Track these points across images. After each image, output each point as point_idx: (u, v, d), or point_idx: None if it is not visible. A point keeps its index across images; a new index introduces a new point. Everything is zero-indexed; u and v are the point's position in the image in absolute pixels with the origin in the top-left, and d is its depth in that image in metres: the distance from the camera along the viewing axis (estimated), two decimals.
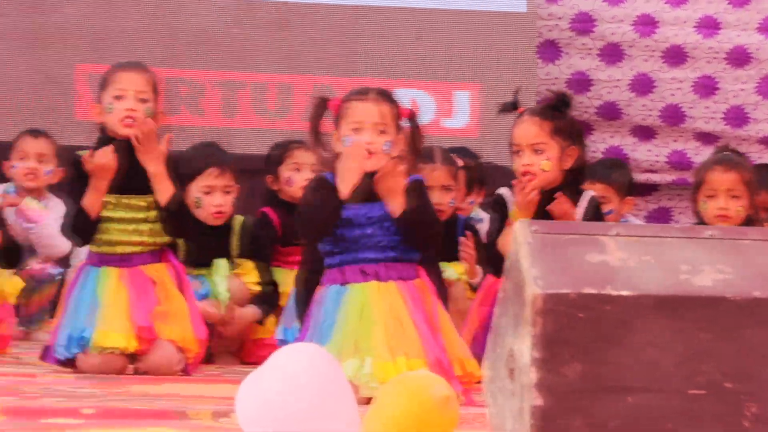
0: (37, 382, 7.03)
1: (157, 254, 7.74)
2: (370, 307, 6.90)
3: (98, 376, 7.37)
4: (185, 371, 7.60)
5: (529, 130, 7.86)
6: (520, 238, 4.72)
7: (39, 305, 9.70)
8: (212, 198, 8.81)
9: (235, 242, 9.14)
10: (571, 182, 8.07)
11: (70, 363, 7.65)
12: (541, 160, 7.84)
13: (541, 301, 4.54)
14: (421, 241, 7.02)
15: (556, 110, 7.96)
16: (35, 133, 10.62)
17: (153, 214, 7.67)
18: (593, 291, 4.57)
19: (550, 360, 4.53)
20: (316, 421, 4.42)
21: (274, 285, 9.24)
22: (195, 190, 8.77)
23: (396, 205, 6.90)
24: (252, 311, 8.97)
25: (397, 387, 4.60)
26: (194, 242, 8.44)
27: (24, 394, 6.50)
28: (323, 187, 6.96)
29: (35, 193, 10.34)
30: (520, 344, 4.60)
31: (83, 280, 7.87)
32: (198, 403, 6.21)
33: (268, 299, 9.12)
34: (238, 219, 9.22)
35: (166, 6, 11.98)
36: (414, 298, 6.81)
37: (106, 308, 7.58)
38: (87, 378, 7.28)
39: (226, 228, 9.10)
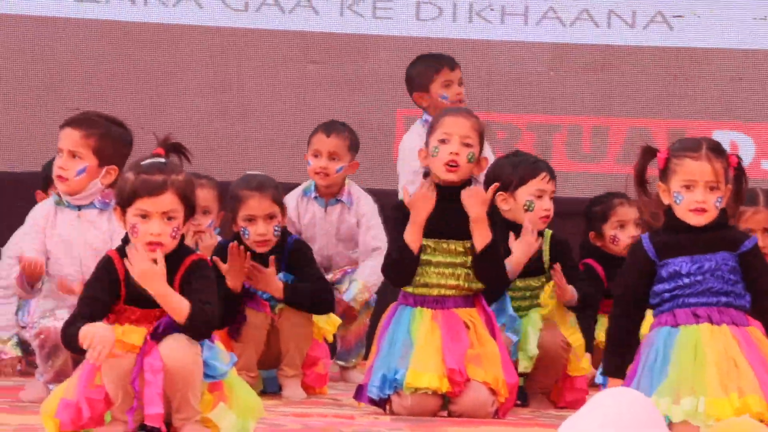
0: (356, 423, 7.05)
1: (471, 299, 7.68)
2: (703, 348, 6.70)
3: (413, 418, 7.37)
4: (497, 414, 7.54)
5: None
6: None
7: (357, 336, 9.61)
8: None
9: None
10: None
11: (383, 403, 7.64)
12: None
13: None
14: None
15: None
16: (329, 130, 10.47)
17: (469, 258, 7.61)
18: None
19: None
20: None
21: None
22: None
23: None
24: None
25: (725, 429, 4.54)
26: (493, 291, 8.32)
27: None
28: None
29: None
30: None
31: (397, 319, 7.85)
32: None
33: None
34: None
35: (482, 51, 11.91)
36: (748, 342, 6.65)
37: (419, 349, 7.55)
38: (403, 420, 7.29)
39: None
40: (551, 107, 11.69)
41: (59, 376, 7.60)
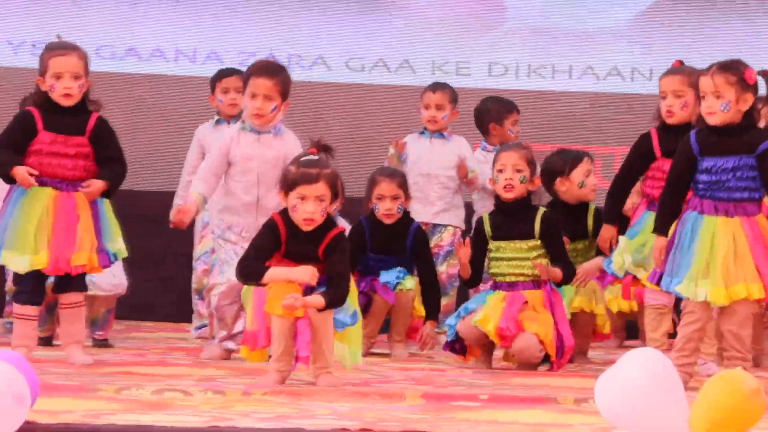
0: (446, 375, 7.05)
1: (537, 283, 7.59)
2: (718, 238, 6.56)
3: (491, 372, 7.41)
4: (552, 367, 7.50)
5: None
6: None
7: (447, 309, 9.48)
8: None
9: None
10: None
11: (455, 345, 7.68)
12: None
13: None
14: None
15: None
16: None
17: (532, 253, 7.56)
18: None
19: None
20: (652, 416, 4.35)
21: None
22: None
23: None
24: None
25: (715, 382, 4.49)
26: None
27: (437, 384, 6.53)
28: None
29: None
30: None
31: (480, 296, 7.86)
32: (563, 392, 6.15)
33: None
34: None
35: (538, 98, 11.66)
36: (754, 231, 6.57)
37: (486, 308, 7.47)
38: (482, 372, 7.29)
39: None
40: (590, 139, 11.56)
41: (233, 337, 7.64)
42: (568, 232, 7.96)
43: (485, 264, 7.85)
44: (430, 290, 8.23)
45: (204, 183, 7.60)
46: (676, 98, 7.23)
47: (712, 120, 6.55)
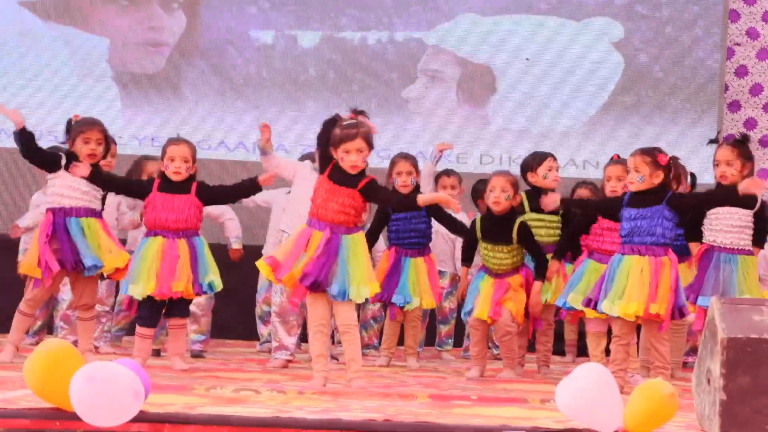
0: (446, 381, 6.99)
1: (517, 269, 7.39)
2: (630, 271, 6.50)
3: (481, 378, 7.33)
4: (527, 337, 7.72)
5: None
6: (713, 305, 4.58)
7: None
8: None
9: None
10: None
11: None
12: None
13: (726, 341, 4.40)
14: None
15: None
16: None
17: (512, 253, 7.41)
18: (756, 336, 4.41)
19: (729, 375, 4.39)
20: (597, 411, 4.33)
21: None
22: None
23: None
24: None
25: (642, 388, 4.47)
26: None
27: (440, 388, 6.49)
28: None
29: None
30: (714, 365, 4.46)
31: (475, 282, 7.62)
32: (532, 394, 6.07)
33: None
34: None
35: None
36: (656, 268, 6.48)
37: (480, 295, 7.37)
38: (474, 380, 7.24)
39: None
40: None
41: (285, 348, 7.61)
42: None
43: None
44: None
45: None
46: (618, 182, 7.20)
47: (633, 188, 6.58)
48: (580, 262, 7.27)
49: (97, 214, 7.11)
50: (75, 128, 7.09)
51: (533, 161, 7.85)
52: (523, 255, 7.53)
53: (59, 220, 7.00)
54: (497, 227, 7.47)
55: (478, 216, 7.78)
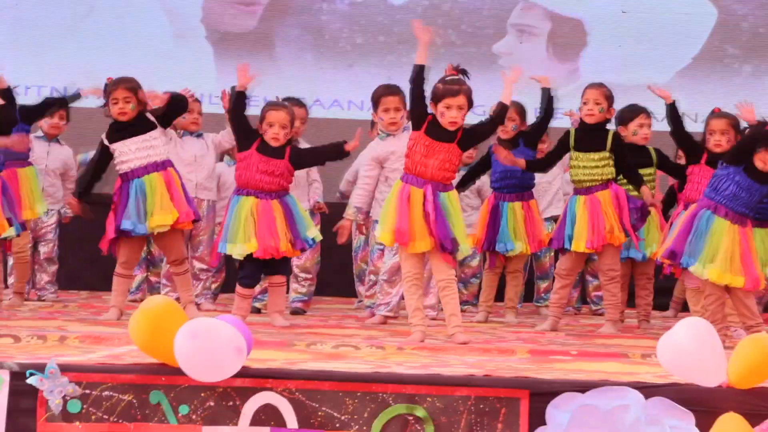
0: (546, 336, 6.97)
1: (606, 184, 7.20)
2: (723, 236, 6.41)
3: (578, 334, 7.30)
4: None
5: None
6: None
7: None
8: None
9: None
10: None
11: None
12: None
13: None
14: None
15: None
16: None
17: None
18: None
19: None
20: (700, 366, 4.33)
21: None
22: None
23: None
24: None
25: (746, 343, 4.45)
26: None
27: (539, 343, 6.50)
28: None
29: None
30: None
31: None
32: (633, 349, 6.04)
33: None
34: None
35: None
36: (744, 237, 6.47)
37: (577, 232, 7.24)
38: (572, 335, 7.21)
39: None
40: None
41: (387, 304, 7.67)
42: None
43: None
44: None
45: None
46: (722, 135, 7.09)
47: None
48: (677, 214, 7.19)
49: (161, 166, 7.12)
50: (105, 91, 7.21)
51: (626, 115, 7.76)
52: (611, 168, 7.36)
53: (124, 185, 7.11)
54: (590, 136, 7.36)
55: (572, 128, 7.66)
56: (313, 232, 7.15)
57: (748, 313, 6.57)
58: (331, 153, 7.25)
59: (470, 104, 6.33)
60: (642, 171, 7.58)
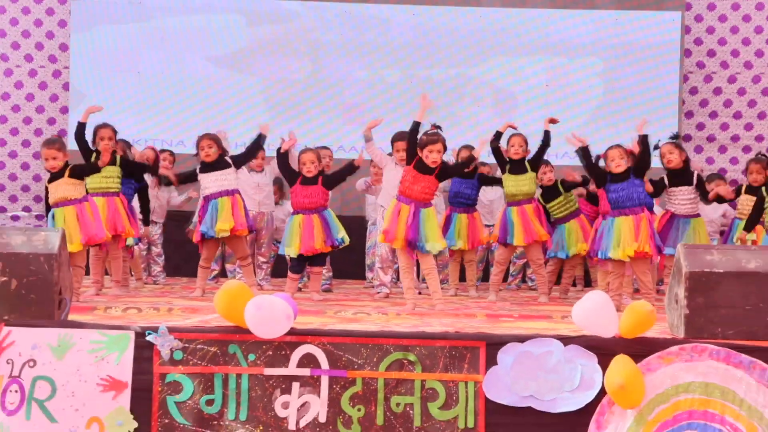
0: (496, 305, 6.81)
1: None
2: (621, 226, 6.31)
3: (521, 303, 7.18)
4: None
5: None
6: (679, 250, 4.57)
7: None
8: None
9: None
10: None
11: None
12: None
13: (688, 274, 4.39)
14: None
15: None
16: None
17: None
18: (708, 270, 4.39)
19: (690, 297, 4.37)
20: (600, 323, 4.28)
21: None
22: None
23: None
24: None
25: (631, 308, 4.40)
26: None
27: (492, 310, 6.38)
28: None
29: None
30: (680, 291, 4.45)
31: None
32: (556, 313, 5.95)
33: None
34: None
35: None
36: (637, 222, 6.32)
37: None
38: (517, 304, 7.03)
39: None
40: None
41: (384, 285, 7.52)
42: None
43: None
44: None
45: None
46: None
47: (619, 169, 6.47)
48: (599, 224, 7.05)
49: (230, 193, 7.02)
50: (197, 142, 7.09)
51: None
52: (534, 187, 7.16)
53: (205, 203, 7.05)
54: (516, 166, 7.14)
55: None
56: (341, 233, 7.03)
57: (642, 284, 6.49)
58: (347, 170, 7.13)
59: (445, 149, 6.27)
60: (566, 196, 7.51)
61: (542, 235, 7.19)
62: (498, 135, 7.22)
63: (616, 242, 6.40)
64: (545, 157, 7.39)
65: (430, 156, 6.20)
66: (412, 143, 6.28)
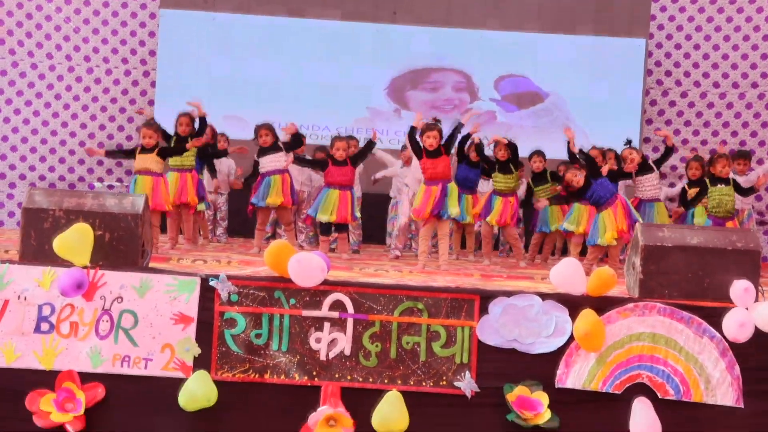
0: (492, 267, 6.77)
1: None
2: (606, 217, 6.26)
3: (508, 267, 7.13)
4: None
5: None
6: (638, 227, 4.51)
7: None
8: None
9: None
10: None
11: None
12: None
13: (644, 246, 4.33)
14: None
15: None
16: None
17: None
18: (659, 244, 4.34)
19: (644, 264, 4.32)
20: (573, 282, 4.23)
21: None
22: None
23: None
24: None
25: (596, 272, 4.30)
26: None
27: (486, 271, 6.36)
28: None
29: None
30: (636, 259, 4.40)
31: None
32: (537, 275, 5.93)
33: None
34: None
35: None
36: (617, 207, 6.23)
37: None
38: (507, 267, 6.96)
39: None
40: None
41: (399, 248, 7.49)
42: None
43: None
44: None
45: None
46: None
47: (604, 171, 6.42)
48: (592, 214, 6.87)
49: (280, 171, 6.84)
50: (255, 130, 6.87)
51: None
52: (517, 183, 7.04)
53: (260, 179, 6.96)
54: (503, 166, 6.98)
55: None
56: (357, 211, 6.98)
57: (614, 262, 6.48)
58: (367, 148, 6.97)
59: (441, 136, 6.21)
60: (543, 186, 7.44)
61: (508, 220, 7.17)
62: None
63: (602, 231, 6.38)
64: (538, 148, 7.38)
65: (427, 141, 6.16)
66: (413, 142, 6.25)
